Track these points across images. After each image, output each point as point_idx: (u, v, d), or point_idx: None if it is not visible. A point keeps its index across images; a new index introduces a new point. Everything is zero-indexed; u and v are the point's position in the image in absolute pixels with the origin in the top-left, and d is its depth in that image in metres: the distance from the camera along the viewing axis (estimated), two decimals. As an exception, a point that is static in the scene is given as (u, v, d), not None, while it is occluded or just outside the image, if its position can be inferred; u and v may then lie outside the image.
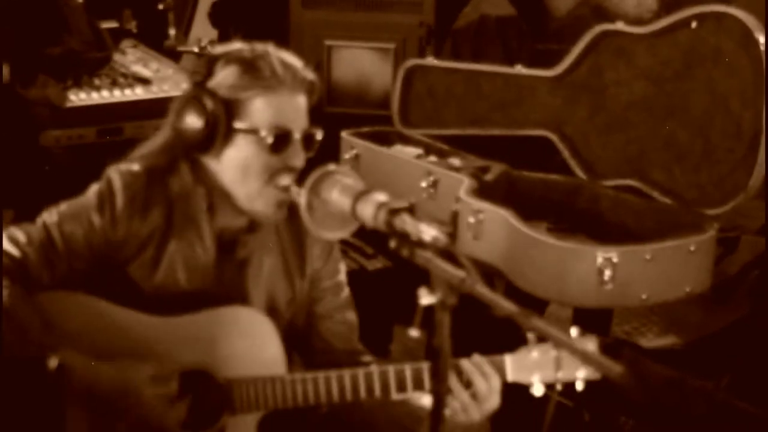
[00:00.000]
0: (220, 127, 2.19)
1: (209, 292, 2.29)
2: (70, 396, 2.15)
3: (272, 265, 2.36)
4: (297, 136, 2.21)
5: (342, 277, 2.48)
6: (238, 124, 2.20)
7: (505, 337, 3.51)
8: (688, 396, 3.35)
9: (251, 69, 2.20)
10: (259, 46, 2.25)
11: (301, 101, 2.24)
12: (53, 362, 2.10)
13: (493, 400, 2.24)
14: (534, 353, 2.28)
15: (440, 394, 1.82)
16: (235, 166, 2.23)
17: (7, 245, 2.22)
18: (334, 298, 2.46)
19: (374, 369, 2.26)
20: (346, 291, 2.48)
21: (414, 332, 1.81)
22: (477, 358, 2.27)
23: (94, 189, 2.28)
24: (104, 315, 2.23)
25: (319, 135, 2.26)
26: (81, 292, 2.26)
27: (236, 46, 2.27)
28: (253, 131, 2.19)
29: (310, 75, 2.25)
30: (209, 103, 2.19)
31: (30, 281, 2.21)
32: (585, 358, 1.59)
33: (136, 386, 2.15)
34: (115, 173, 2.27)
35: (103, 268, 2.27)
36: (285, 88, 2.20)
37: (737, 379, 3.37)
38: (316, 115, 2.30)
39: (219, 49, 2.28)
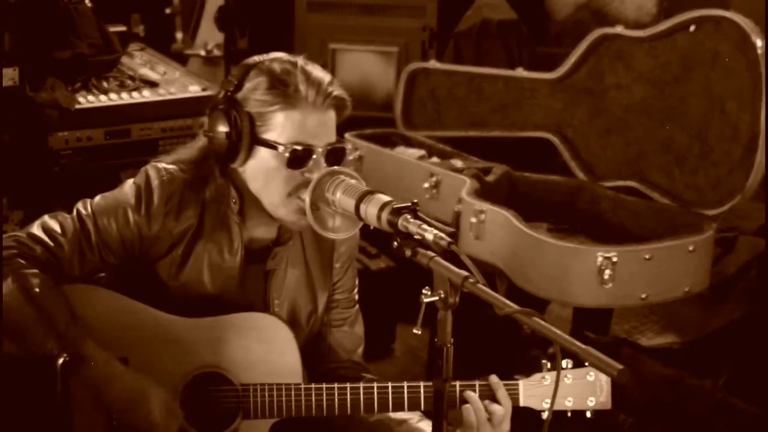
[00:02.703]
0: (244, 140, 2.19)
1: (231, 298, 2.31)
2: (83, 388, 2.17)
3: (296, 278, 2.37)
4: (319, 151, 2.20)
5: (355, 293, 2.49)
6: (261, 138, 2.20)
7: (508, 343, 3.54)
8: (687, 394, 3.38)
9: (277, 84, 2.19)
10: (291, 60, 2.24)
11: (326, 117, 2.21)
12: (60, 360, 2.13)
13: (504, 425, 2.25)
14: (547, 380, 2.30)
15: (442, 392, 1.86)
16: (258, 177, 2.23)
17: (41, 234, 2.23)
18: (345, 310, 2.48)
19: (389, 384, 2.28)
20: (357, 306, 2.50)
21: (417, 331, 1.84)
22: (494, 378, 2.29)
23: (130, 184, 2.29)
24: (126, 311, 2.25)
25: (344, 148, 2.25)
26: (106, 286, 2.29)
27: (274, 56, 2.26)
28: (272, 146, 2.19)
29: (337, 90, 2.22)
30: (234, 115, 2.19)
31: (62, 272, 2.23)
32: (585, 356, 1.62)
33: (149, 400, 2.17)
34: (153, 170, 2.27)
35: (132, 263, 2.29)
36: (307, 105, 2.18)
37: (735, 377, 3.39)
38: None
39: (256, 58, 2.27)
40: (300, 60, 2.25)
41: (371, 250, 4.07)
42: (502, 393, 2.26)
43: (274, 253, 2.34)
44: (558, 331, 1.65)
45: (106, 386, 2.17)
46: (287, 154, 2.18)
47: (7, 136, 3.44)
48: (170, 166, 2.29)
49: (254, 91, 2.21)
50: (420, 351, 4.09)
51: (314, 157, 2.20)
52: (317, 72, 2.23)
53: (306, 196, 2.06)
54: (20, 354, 2.15)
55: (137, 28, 4.05)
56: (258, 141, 2.20)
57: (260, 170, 2.23)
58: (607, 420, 3.33)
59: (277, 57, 2.26)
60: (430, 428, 2.31)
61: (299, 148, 2.19)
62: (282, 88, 2.19)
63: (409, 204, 1.87)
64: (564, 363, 2.27)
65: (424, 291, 1.79)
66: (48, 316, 2.15)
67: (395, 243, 1.87)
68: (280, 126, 2.19)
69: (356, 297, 2.50)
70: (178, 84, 3.81)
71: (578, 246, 2.99)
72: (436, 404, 1.88)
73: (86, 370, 2.15)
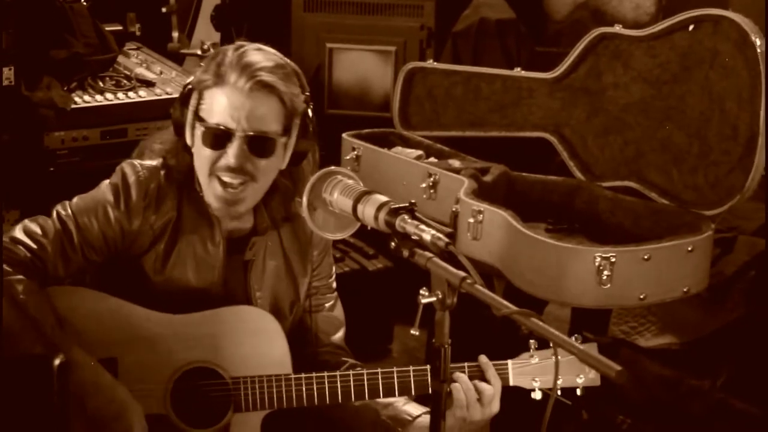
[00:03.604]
0: (186, 115, 2.25)
1: (216, 291, 2.33)
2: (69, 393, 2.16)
3: (276, 268, 2.39)
4: (238, 135, 2.21)
5: (333, 280, 2.52)
6: (197, 115, 2.25)
7: (507, 342, 3.54)
8: (685, 395, 3.37)
9: (215, 64, 2.24)
10: (242, 44, 2.28)
11: (253, 102, 2.21)
12: (57, 360, 2.12)
13: (494, 404, 2.28)
14: (535, 359, 2.31)
15: (440, 393, 1.85)
16: (195, 154, 2.29)
17: (23, 237, 2.24)
18: (323, 296, 2.51)
19: (379, 371, 2.30)
20: (335, 293, 2.53)
21: (414, 332, 1.83)
22: (483, 359, 2.31)
23: (106, 183, 2.32)
24: (112, 310, 2.26)
25: (273, 140, 2.24)
26: (90, 286, 2.29)
27: (239, 42, 2.30)
28: (192, 123, 2.25)
29: (266, 76, 2.21)
30: (184, 92, 2.26)
31: (46, 274, 2.24)
32: (583, 357, 1.61)
33: (130, 418, 2.16)
34: (128, 167, 2.31)
35: (116, 260, 2.30)
36: (230, 87, 2.21)
37: (734, 378, 3.38)
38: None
39: (227, 45, 2.32)
40: (249, 45, 2.27)
41: (369, 250, 4.07)
42: (491, 373, 2.29)
43: (252, 243, 2.35)
44: (556, 332, 1.64)
45: (92, 394, 2.16)
46: (200, 131, 2.23)
47: (4, 135, 3.44)
48: (145, 162, 2.32)
49: (203, 72, 2.25)
50: (417, 352, 4.09)
51: (232, 141, 2.21)
52: (255, 56, 2.24)
53: (227, 179, 2.18)
54: (17, 354, 2.15)
55: (133, 28, 4.04)
56: (197, 118, 2.24)
57: (196, 147, 2.27)
58: (606, 420, 3.33)
59: (238, 43, 2.29)
60: (417, 411, 2.33)
61: (214, 127, 2.21)
62: (216, 69, 2.23)
63: (407, 204, 1.87)
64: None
65: (421, 292, 1.79)
66: (34, 323, 2.16)
67: (393, 243, 1.87)
68: (209, 105, 2.23)
69: (334, 285, 2.53)
70: (174, 83, 3.81)
71: (576, 246, 2.99)
72: (434, 404, 1.87)
73: (72, 377, 2.14)
